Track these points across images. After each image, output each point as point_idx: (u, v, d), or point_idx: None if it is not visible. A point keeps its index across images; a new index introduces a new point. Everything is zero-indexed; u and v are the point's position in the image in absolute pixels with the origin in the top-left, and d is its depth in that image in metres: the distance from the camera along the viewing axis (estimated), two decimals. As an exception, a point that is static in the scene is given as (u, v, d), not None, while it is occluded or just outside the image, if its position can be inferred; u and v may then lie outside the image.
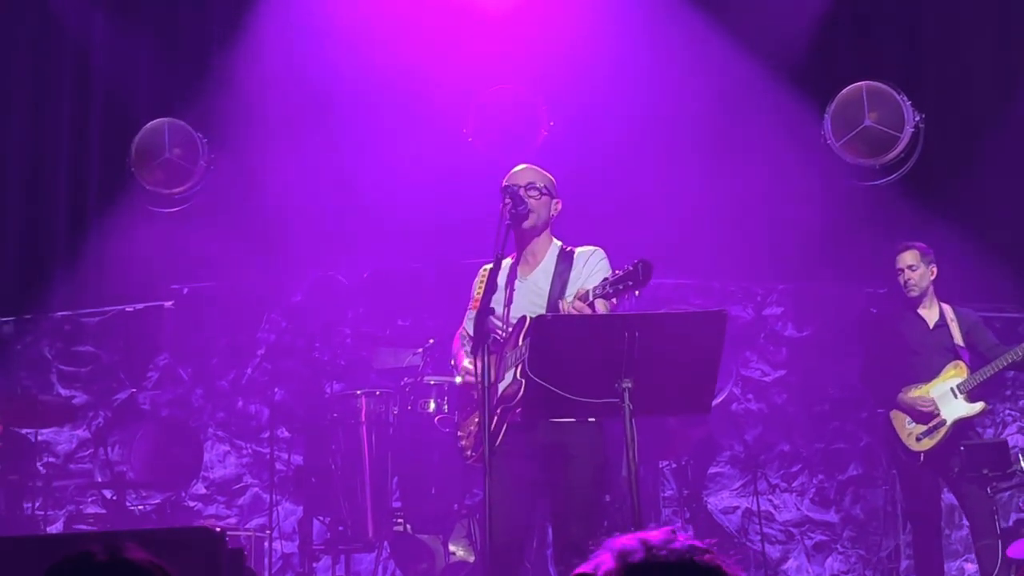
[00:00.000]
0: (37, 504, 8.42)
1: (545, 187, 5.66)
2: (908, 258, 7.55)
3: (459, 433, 5.72)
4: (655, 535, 1.81)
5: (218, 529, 3.12)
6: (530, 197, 5.58)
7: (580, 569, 1.83)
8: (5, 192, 9.46)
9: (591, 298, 5.02)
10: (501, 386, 5.34)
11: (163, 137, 9.17)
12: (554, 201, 5.71)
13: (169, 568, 2.20)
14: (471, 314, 5.64)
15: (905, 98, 8.61)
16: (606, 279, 4.96)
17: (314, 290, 9.64)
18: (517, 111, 9.04)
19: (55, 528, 8.77)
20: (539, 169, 5.77)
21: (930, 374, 7.46)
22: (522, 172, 5.71)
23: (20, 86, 9.54)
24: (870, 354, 7.91)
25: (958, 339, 7.50)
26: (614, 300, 5.15)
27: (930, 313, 7.59)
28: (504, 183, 5.65)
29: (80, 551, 2.21)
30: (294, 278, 9.62)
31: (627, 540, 1.81)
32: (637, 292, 4.82)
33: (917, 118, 8.64)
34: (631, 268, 4.80)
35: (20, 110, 9.52)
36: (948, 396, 7.35)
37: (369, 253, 9.24)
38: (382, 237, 9.02)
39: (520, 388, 5.17)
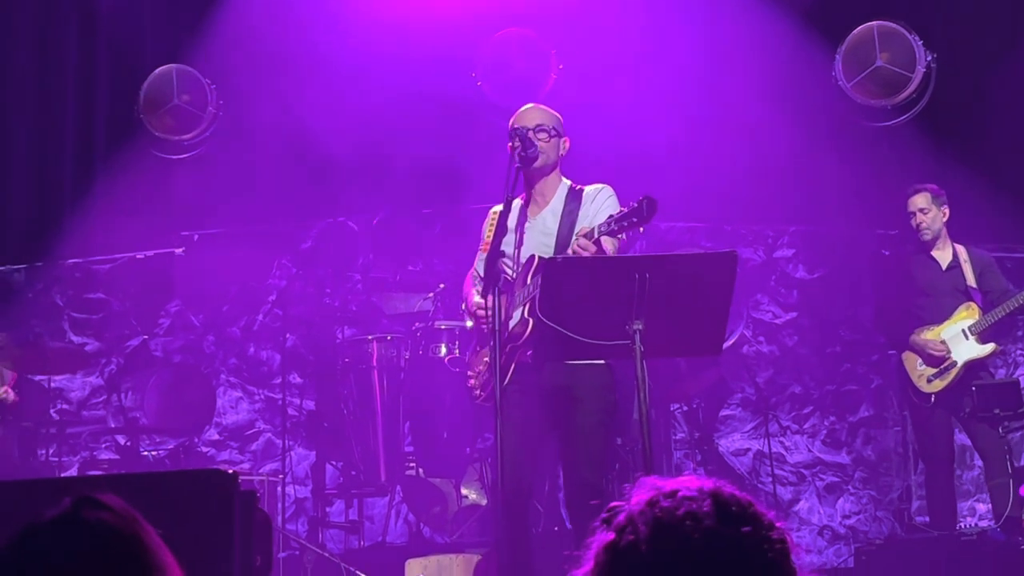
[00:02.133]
0: (51, 451, 8.47)
1: (553, 127, 5.60)
2: (920, 201, 7.51)
3: (468, 373, 5.72)
4: (691, 478, 1.85)
5: (230, 471, 3.12)
6: (539, 139, 5.52)
7: (616, 504, 1.85)
8: (15, 140, 9.44)
9: (596, 235, 5.00)
10: (510, 324, 5.35)
11: (172, 83, 9.14)
12: (562, 140, 5.66)
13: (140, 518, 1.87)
14: (482, 256, 5.63)
15: (917, 38, 8.55)
16: (611, 216, 4.93)
17: (324, 236, 9.63)
18: (526, 54, 8.99)
19: (70, 475, 8.81)
20: (546, 109, 5.70)
21: (942, 316, 7.44)
22: (530, 113, 5.65)
23: (27, 33, 9.48)
24: (882, 296, 7.90)
25: (971, 280, 7.48)
26: (620, 237, 5.13)
27: (943, 254, 7.56)
28: (512, 125, 5.59)
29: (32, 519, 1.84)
30: (304, 225, 9.61)
31: (666, 481, 1.85)
32: (642, 229, 4.80)
33: (929, 58, 8.58)
34: (635, 205, 4.77)
35: (27, 56, 9.47)
36: (959, 337, 7.34)
37: (379, 198, 9.22)
38: (392, 182, 8.99)
39: (528, 326, 5.19)
